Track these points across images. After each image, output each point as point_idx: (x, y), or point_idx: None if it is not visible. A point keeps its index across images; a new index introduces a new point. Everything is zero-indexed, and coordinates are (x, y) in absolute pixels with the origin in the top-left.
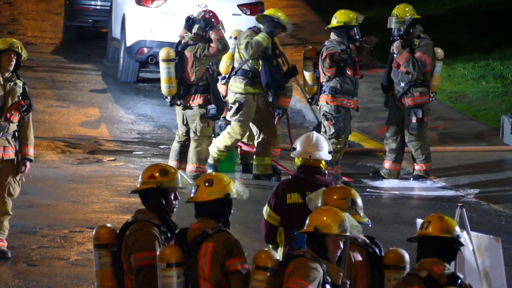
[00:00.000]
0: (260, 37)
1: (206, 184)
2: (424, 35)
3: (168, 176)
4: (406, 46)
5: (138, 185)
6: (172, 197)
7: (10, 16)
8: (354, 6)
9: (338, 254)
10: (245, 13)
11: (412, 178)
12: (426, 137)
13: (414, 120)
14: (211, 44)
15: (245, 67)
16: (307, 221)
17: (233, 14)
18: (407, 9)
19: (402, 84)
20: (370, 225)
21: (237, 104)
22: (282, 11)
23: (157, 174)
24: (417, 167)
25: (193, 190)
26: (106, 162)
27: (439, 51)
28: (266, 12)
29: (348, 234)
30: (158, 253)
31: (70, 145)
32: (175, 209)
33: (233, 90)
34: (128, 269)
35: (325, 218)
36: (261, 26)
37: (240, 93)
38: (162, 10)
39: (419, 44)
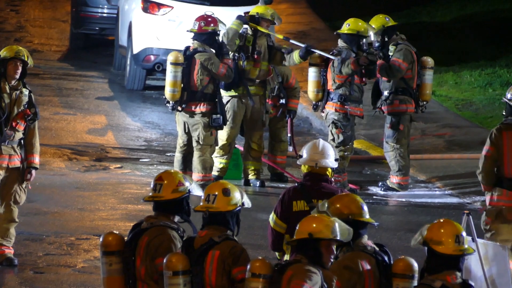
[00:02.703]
0: (232, 23)
1: (224, 194)
2: (403, 42)
3: (188, 182)
4: (385, 55)
5: (159, 192)
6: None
7: (16, 24)
8: (361, 13)
9: (332, 260)
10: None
11: (381, 188)
12: (404, 148)
13: (388, 126)
14: (221, 66)
15: None
16: (297, 229)
17: None
18: (379, 19)
19: (385, 93)
20: (376, 226)
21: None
22: (276, 6)
23: (184, 181)
24: (393, 179)
25: (205, 199)
26: (112, 170)
27: (429, 60)
28: (250, 12)
29: (339, 238)
30: (164, 261)
31: (76, 152)
32: None
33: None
34: (147, 274)
35: (316, 224)
36: (247, 26)
37: (224, 95)
38: (169, 17)
39: (395, 50)
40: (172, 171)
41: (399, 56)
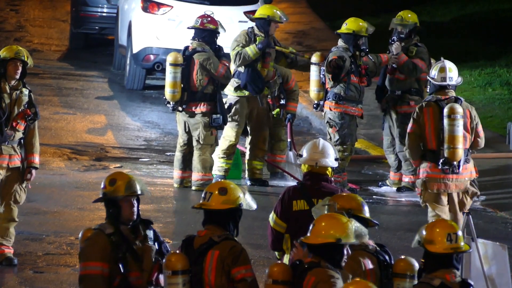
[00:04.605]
0: (250, 50)
1: (220, 193)
2: (421, 44)
3: (114, 186)
4: (403, 51)
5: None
6: (126, 205)
7: (16, 23)
8: (361, 13)
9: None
10: (252, 20)
11: (396, 189)
12: None
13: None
14: (220, 66)
15: (240, 69)
16: (315, 229)
17: (240, 21)
18: (409, 15)
19: (398, 92)
20: (376, 228)
21: (227, 105)
22: (276, 6)
23: (107, 184)
24: (406, 178)
25: (203, 196)
26: (112, 169)
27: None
28: (257, 13)
29: (355, 240)
30: (164, 260)
31: (76, 152)
32: (134, 217)
33: (226, 92)
34: None
35: (342, 229)
36: (255, 28)
37: (231, 95)
38: (168, 17)
39: (416, 52)
40: (115, 172)
41: (421, 58)
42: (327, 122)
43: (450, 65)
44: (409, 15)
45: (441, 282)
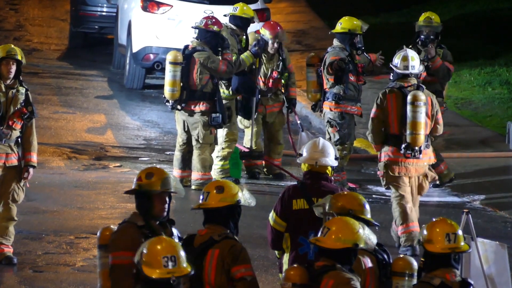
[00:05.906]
0: (246, 58)
1: (217, 191)
2: (444, 46)
3: (151, 180)
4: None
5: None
6: (159, 201)
7: (16, 22)
8: (361, 12)
9: None
10: (226, 16)
11: None
12: None
13: None
14: (221, 63)
15: None
16: (329, 233)
17: None
18: (433, 17)
19: None
20: (377, 228)
21: (227, 112)
22: (276, 5)
23: (143, 177)
24: None
25: (201, 197)
26: (112, 168)
27: None
28: (240, 12)
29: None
30: None
31: (76, 151)
32: (164, 214)
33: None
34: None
35: (357, 233)
36: (232, 26)
37: (226, 98)
38: (168, 16)
39: (443, 54)
40: (152, 167)
41: (450, 61)
42: (328, 121)
43: (412, 54)
44: (433, 17)
45: (441, 282)
